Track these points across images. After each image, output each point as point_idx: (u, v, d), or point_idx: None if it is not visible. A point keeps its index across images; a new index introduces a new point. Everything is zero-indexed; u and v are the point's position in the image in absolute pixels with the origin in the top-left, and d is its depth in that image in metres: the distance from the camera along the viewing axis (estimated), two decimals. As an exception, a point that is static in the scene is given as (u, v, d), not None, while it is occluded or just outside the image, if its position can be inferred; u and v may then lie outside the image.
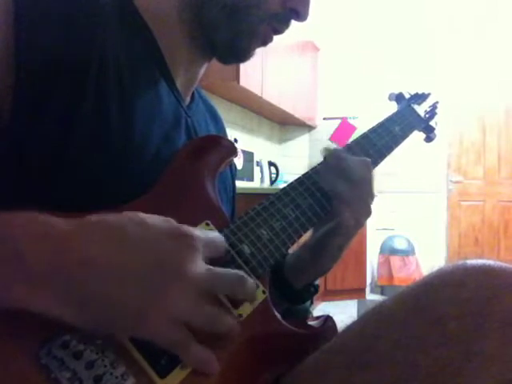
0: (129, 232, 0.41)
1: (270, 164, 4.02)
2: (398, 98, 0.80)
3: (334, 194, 0.61)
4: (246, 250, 0.53)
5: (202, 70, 0.68)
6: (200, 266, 0.43)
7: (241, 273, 0.46)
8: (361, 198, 0.62)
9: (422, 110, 0.79)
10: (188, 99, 0.68)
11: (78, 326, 0.40)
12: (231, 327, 0.45)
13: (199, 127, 0.67)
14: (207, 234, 0.47)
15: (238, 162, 3.39)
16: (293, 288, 0.68)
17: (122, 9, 0.57)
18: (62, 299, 0.39)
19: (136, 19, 0.59)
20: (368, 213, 0.63)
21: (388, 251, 4.23)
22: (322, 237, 0.64)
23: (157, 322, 0.40)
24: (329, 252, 0.65)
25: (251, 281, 0.46)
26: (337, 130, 4.45)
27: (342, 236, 0.63)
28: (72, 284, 0.39)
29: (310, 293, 0.70)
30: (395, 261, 4.17)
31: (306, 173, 0.63)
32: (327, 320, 0.60)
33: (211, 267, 0.44)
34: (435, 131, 0.81)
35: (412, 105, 0.78)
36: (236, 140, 3.42)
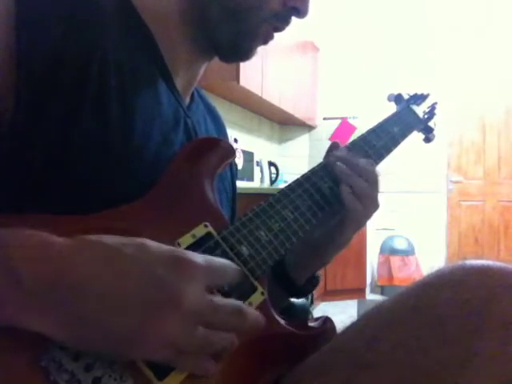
0: (128, 255, 0.40)
1: (270, 164, 4.02)
2: (397, 98, 0.80)
3: (348, 189, 0.63)
4: (245, 251, 0.53)
5: (202, 70, 0.68)
6: (197, 294, 0.41)
7: (241, 306, 0.44)
8: (373, 194, 0.64)
9: (420, 110, 0.79)
10: (188, 99, 0.68)
11: (67, 345, 0.40)
12: (226, 346, 0.44)
13: (199, 127, 0.67)
14: (212, 261, 0.45)
15: (238, 161, 3.39)
16: (295, 283, 0.69)
17: (122, 10, 0.57)
18: (56, 320, 0.38)
19: (136, 20, 0.59)
20: (377, 206, 0.65)
21: (388, 251, 4.23)
22: (329, 231, 0.66)
23: (151, 347, 0.40)
24: (335, 245, 0.68)
25: (252, 312, 0.45)
26: (337, 130, 4.44)
27: (352, 228, 0.66)
28: (67, 306, 0.38)
29: (312, 285, 0.72)
30: (395, 261, 4.17)
31: (305, 174, 0.64)
32: (326, 321, 0.60)
33: (211, 298, 0.42)
34: (434, 132, 0.82)
35: (411, 106, 0.78)
36: (236, 140, 3.42)
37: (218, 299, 0.43)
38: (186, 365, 0.43)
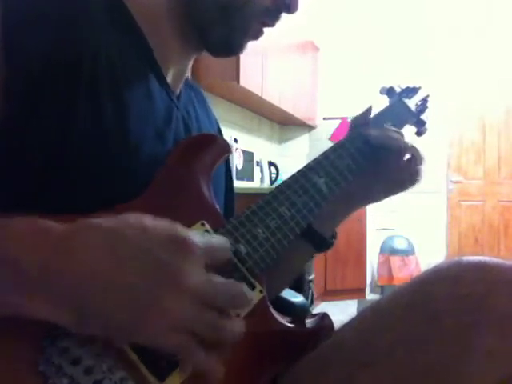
0: (128, 239, 0.41)
1: (270, 164, 4.02)
2: (389, 92, 0.80)
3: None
4: (243, 249, 0.53)
5: (191, 63, 0.69)
6: (199, 274, 0.42)
7: (241, 285, 0.45)
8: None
9: (412, 103, 0.79)
10: (178, 91, 0.68)
11: (75, 331, 0.40)
12: (234, 332, 0.44)
13: (189, 118, 0.67)
14: (209, 239, 0.45)
15: (238, 161, 3.39)
16: (320, 235, 0.70)
17: (111, 6, 0.57)
18: (60, 306, 0.39)
19: (126, 17, 0.58)
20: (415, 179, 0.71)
21: (388, 251, 4.23)
22: (365, 184, 0.70)
23: (155, 329, 0.40)
24: (372, 197, 0.74)
25: (251, 293, 0.45)
26: (337, 129, 4.45)
27: (388, 183, 0.72)
28: (70, 291, 0.39)
29: (331, 242, 0.72)
30: (395, 261, 4.17)
31: (301, 169, 0.63)
32: (324, 318, 0.60)
33: (211, 277, 0.43)
34: (426, 125, 0.81)
35: (403, 99, 0.78)
36: (236, 140, 3.41)
37: (217, 277, 0.44)
38: (191, 357, 0.42)
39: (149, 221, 0.42)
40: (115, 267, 0.40)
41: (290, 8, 0.61)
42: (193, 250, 0.42)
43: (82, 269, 0.39)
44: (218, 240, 0.46)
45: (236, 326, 0.44)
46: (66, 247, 0.40)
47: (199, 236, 0.44)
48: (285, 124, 4.73)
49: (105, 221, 0.42)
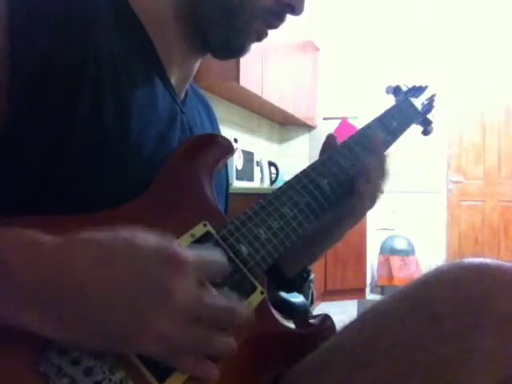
0: (118, 254, 0.41)
1: (270, 164, 4.02)
2: (396, 91, 0.80)
3: (361, 170, 0.63)
4: (244, 250, 0.53)
5: (197, 66, 0.68)
6: (188, 291, 0.42)
7: (231, 304, 0.45)
8: (381, 177, 0.65)
9: (419, 102, 0.78)
10: (182, 95, 0.68)
11: (64, 343, 0.40)
12: (225, 346, 0.44)
13: (194, 123, 0.67)
14: (202, 254, 0.45)
15: (238, 162, 3.39)
16: (286, 277, 0.69)
17: (116, 8, 0.57)
18: (50, 319, 0.39)
19: (131, 19, 0.58)
20: (381, 192, 0.66)
21: (388, 251, 4.23)
22: (325, 224, 0.66)
23: (142, 341, 0.41)
24: (330, 239, 0.68)
25: (241, 308, 0.46)
26: (337, 129, 4.44)
27: (349, 222, 0.66)
28: (60, 305, 0.39)
29: (302, 278, 0.71)
30: (395, 261, 4.16)
31: (304, 170, 0.63)
32: (325, 319, 0.60)
33: (201, 294, 0.43)
34: (432, 124, 0.81)
35: (409, 98, 0.77)
36: (236, 140, 3.41)
37: (208, 294, 0.44)
38: (185, 365, 0.43)
39: (139, 235, 0.42)
40: (105, 281, 0.40)
41: (295, 9, 0.60)
42: (182, 264, 0.42)
43: (70, 282, 0.39)
44: (211, 254, 0.46)
45: (226, 339, 0.44)
46: (57, 263, 0.40)
47: (190, 251, 0.44)
48: (285, 124, 4.73)
49: (95, 235, 0.42)
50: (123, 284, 0.40)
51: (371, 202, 0.65)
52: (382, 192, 0.66)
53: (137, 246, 0.41)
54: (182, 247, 0.44)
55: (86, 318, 0.39)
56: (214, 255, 0.46)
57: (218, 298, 0.45)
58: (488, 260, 0.49)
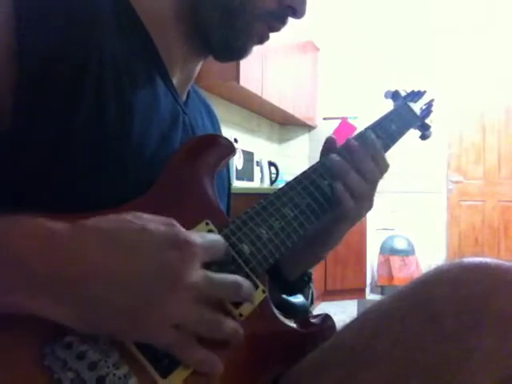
0: (128, 239, 0.42)
1: (270, 164, 4.02)
2: (394, 95, 0.80)
3: (343, 185, 0.62)
4: (246, 249, 0.53)
5: (198, 67, 0.68)
6: (198, 273, 0.43)
7: (238, 278, 0.47)
8: (368, 192, 0.64)
9: (417, 107, 0.79)
10: (184, 96, 0.68)
11: (76, 329, 0.41)
12: (233, 331, 0.46)
13: (196, 124, 0.67)
14: (206, 237, 0.47)
15: (238, 162, 3.39)
16: (287, 279, 0.69)
17: (119, 9, 0.57)
18: (62, 304, 0.40)
19: (133, 19, 0.58)
20: (370, 206, 0.66)
21: (388, 251, 4.23)
22: (324, 227, 0.66)
23: (155, 327, 0.42)
24: (330, 241, 0.69)
25: (248, 284, 0.47)
26: (337, 129, 4.44)
27: (346, 225, 0.66)
28: (72, 290, 0.40)
29: (304, 281, 0.72)
30: (395, 261, 4.17)
31: (305, 172, 0.63)
32: (326, 318, 0.60)
33: (209, 274, 0.45)
34: (431, 129, 0.81)
35: (408, 103, 0.78)
36: (236, 140, 3.41)
37: (216, 275, 0.45)
38: (189, 356, 0.44)
39: (148, 219, 0.43)
40: (115, 265, 0.41)
41: (297, 12, 0.60)
42: (190, 248, 0.43)
43: (82, 267, 0.40)
44: (214, 236, 0.49)
45: (234, 324, 0.46)
46: (68, 250, 0.40)
47: (196, 235, 0.45)
48: (285, 124, 4.74)
49: (105, 220, 0.43)
50: (133, 268, 0.41)
51: (370, 202, 0.66)
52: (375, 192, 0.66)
53: (146, 230, 0.42)
54: (189, 232, 0.45)
55: (98, 302, 0.40)
56: (214, 237, 0.48)
57: (225, 276, 0.47)
58: (488, 260, 0.49)
